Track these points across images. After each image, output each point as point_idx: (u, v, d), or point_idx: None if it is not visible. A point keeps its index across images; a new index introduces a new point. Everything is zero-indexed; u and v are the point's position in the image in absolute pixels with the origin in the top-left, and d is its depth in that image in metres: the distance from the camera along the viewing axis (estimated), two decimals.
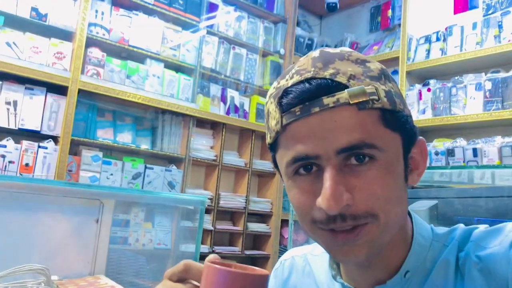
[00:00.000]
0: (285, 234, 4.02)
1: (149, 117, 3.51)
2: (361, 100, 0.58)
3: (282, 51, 4.17)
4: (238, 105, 3.88)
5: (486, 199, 1.48)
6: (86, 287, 1.74)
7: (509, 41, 3.09)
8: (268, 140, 0.67)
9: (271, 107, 0.64)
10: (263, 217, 4.00)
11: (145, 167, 3.34)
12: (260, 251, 3.91)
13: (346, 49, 0.65)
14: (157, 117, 3.52)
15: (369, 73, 0.61)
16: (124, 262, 2.43)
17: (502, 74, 3.11)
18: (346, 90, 0.58)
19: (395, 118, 0.61)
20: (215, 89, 3.78)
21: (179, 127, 3.56)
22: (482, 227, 0.67)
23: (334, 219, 0.58)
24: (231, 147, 3.92)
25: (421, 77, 3.64)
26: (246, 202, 3.80)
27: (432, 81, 3.50)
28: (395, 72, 3.84)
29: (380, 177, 0.59)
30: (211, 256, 0.59)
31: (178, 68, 3.60)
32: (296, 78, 0.61)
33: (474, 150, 3.10)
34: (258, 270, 0.59)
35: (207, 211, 3.59)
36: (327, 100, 0.58)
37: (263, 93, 4.08)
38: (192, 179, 3.60)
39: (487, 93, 3.14)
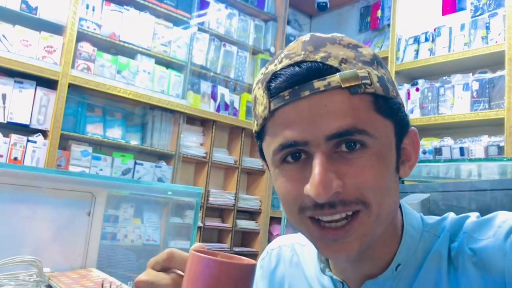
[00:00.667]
0: (273, 231, 4.04)
1: (139, 113, 3.50)
2: (353, 84, 0.56)
3: (272, 49, 4.19)
4: (228, 102, 3.89)
5: (477, 192, 1.51)
6: (78, 279, 1.74)
7: (496, 42, 3.14)
8: (255, 127, 0.63)
9: (259, 93, 0.61)
10: (252, 214, 4.01)
11: (135, 163, 3.33)
12: (249, 248, 3.92)
13: (338, 34, 0.62)
14: (147, 113, 3.51)
15: (361, 57, 0.59)
16: (115, 257, 2.42)
17: (489, 75, 3.16)
18: (338, 73, 0.56)
19: (388, 105, 0.59)
20: (205, 86, 3.78)
21: (169, 123, 3.55)
22: (473, 216, 0.65)
23: (321, 206, 0.56)
24: (221, 144, 3.93)
25: (409, 77, 3.68)
26: (235, 199, 3.81)
27: (420, 81, 3.55)
28: None
29: (372, 165, 0.56)
30: (197, 245, 0.57)
31: (168, 64, 3.59)
32: (286, 62, 0.58)
33: (461, 149, 3.15)
34: (245, 259, 0.56)
35: (196, 207, 3.58)
36: (318, 84, 0.55)
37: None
38: (182, 176, 3.60)
39: (474, 93, 3.20)
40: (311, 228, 0.59)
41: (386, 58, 3.76)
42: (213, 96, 3.81)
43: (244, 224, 3.89)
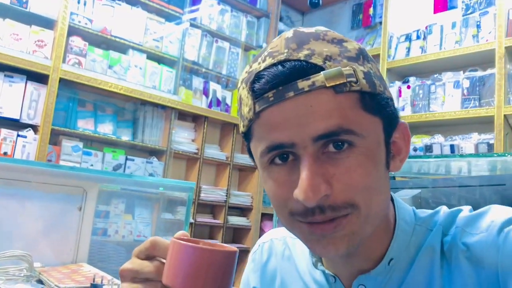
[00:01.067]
0: (265, 228, 4.05)
1: (130, 108, 3.48)
2: (338, 82, 0.54)
3: (264, 45, 4.19)
4: (220, 98, 3.88)
5: (467, 188, 1.53)
6: (69, 274, 1.73)
7: (486, 40, 3.17)
8: (242, 128, 0.62)
9: (243, 93, 0.59)
10: (243, 211, 4.01)
11: (126, 159, 3.31)
12: (240, 245, 3.92)
13: (322, 28, 0.60)
14: (139, 109, 3.49)
15: (346, 53, 0.57)
16: (106, 252, 2.41)
17: (479, 73, 3.19)
18: (322, 72, 0.54)
19: (375, 101, 0.57)
20: (197, 82, 3.77)
21: (161, 119, 3.54)
22: (466, 210, 0.65)
23: (312, 211, 0.55)
24: (213, 141, 3.92)
25: (401, 74, 3.70)
26: (226, 196, 3.81)
27: (411, 79, 3.57)
28: None
29: (360, 165, 0.55)
30: (179, 233, 0.56)
31: (160, 59, 3.58)
32: (269, 61, 0.56)
33: (452, 146, 3.18)
34: (226, 247, 0.55)
35: (188, 203, 3.58)
36: (302, 84, 0.54)
37: None
38: (173, 172, 3.59)
39: (465, 91, 3.22)
40: (302, 228, 0.58)
41: (377, 56, 3.77)
42: (205, 92, 3.81)
43: (236, 220, 3.89)
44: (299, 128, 0.54)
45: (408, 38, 3.65)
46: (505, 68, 3.02)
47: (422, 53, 3.53)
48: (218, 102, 3.87)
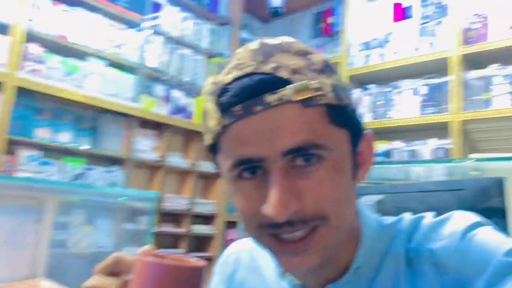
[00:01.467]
0: (229, 236, 4.02)
1: (90, 116, 3.40)
2: (306, 96, 0.55)
3: (227, 53, 4.19)
4: (183, 106, 3.85)
5: (428, 193, 1.55)
6: None
7: (442, 49, 3.27)
8: (208, 141, 0.61)
9: (209, 106, 0.59)
10: (207, 219, 3.98)
11: (86, 168, 3.23)
12: (205, 253, 3.89)
13: (287, 39, 0.61)
14: (99, 117, 3.42)
15: (312, 66, 0.57)
16: (65, 265, 2.34)
17: (437, 80, 3.29)
18: (289, 86, 0.54)
19: (342, 114, 0.58)
20: (159, 89, 3.73)
21: (122, 127, 3.48)
22: (429, 217, 0.66)
23: (280, 225, 0.55)
24: (176, 148, 3.88)
25: (360, 82, 3.77)
26: (190, 204, 3.77)
27: (371, 86, 3.64)
28: None
29: (329, 178, 0.56)
30: (145, 247, 0.55)
31: (121, 66, 3.52)
32: (235, 73, 0.56)
33: (411, 152, 3.26)
34: (192, 261, 0.55)
35: (151, 213, 3.52)
36: (270, 98, 0.54)
37: None
38: (135, 181, 3.53)
39: (423, 98, 3.31)
40: (271, 244, 0.58)
41: (338, 64, 3.83)
42: (167, 99, 3.76)
43: (200, 228, 3.85)
44: (268, 143, 0.54)
45: (367, 46, 3.73)
46: (461, 75, 3.13)
47: (381, 61, 3.60)
48: (181, 110, 3.83)
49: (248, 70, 0.56)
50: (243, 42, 4.42)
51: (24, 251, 1.87)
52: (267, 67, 0.55)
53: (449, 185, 1.57)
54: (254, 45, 0.59)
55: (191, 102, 3.93)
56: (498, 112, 2.92)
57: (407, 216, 0.68)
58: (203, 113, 0.62)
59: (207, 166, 3.96)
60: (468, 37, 3.18)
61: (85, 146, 3.30)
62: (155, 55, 3.70)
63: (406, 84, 3.44)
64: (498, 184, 1.32)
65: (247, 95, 0.55)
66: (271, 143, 0.54)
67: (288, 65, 0.56)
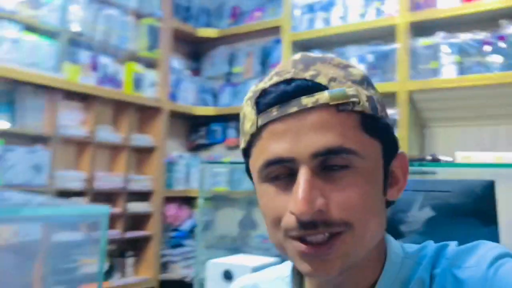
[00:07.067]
0: (168, 211, 3.81)
1: (6, 90, 2.95)
2: (341, 101, 0.56)
3: (159, 13, 3.81)
4: (111, 74, 3.47)
5: (412, 192, 1.41)
6: None
7: (389, 14, 3.15)
8: (242, 144, 0.63)
9: (247, 110, 0.61)
10: (144, 196, 3.71)
11: (5, 149, 2.83)
12: (142, 231, 3.65)
13: (329, 55, 0.64)
14: (16, 90, 2.98)
15: (350, 77, 0.60)
16: None
17: (383, 47, 3.19)
18: (326, 91, 0.57)
19: (376, 125, 0.59)
20: (84, 56, 3.31)
21: (44, 100, 3.07)
22: (453, 245, 0.65)
23: (305, 226, 0.55)
24: (106, 122, 3.52)
25: (304, 47, 3.58)
26: (124, 181, 3.48)
27: (315, 52, 3.47)
28: (279, 41, 3.75)
29: (357, 185, 0.56)
30: None
31: (39, 31, 3.05)
32: (275, 79, 0.59)
33: None
34: None
35: (81, 194, 3.22)
36: (306, 100, 0.56)
37: (139, 60, 3.70)
38: (62, 160, 3.17)
39: (370, 65, 3.21)
40: (294, 245, 0.58)
41: (279, 27, 3.62)
42: (94, 67, 3.37)
43: (136, 207, 3.59)
44: (299, 144, 0.56)
45: (311, 9, 3.53)
46: (408, 43, 3.04)
47: (326, 25, 3.43)
48: (110, 79, 3.46)
49: (288, 76, 0.58)
50: (177, 1, 4.04)
51: None
52: (307, 74, 0.58)
53: (435, 185, 1.44)
54: (296, 56, 0.62)
55: (120, 69, 3.55)
56: (446, 82, 2.88)
57: (431, 244, 0.67)
58: (241, 119, 0.64)
59: (141, 140, 3.65)
60: (416, 3, 3.08)
61: (2, 124, 2.87)
62: (78, 17, 3.25)
63: (352, 51, 3.31)
64: (488, 187, 1.21)
65: (285, 97, 0.57)
66: (302, 143, 0.56)
67: (327, 73, 0.58)
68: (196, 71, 4.40)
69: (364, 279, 0.63)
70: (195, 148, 4.27)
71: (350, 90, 0.57)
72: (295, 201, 0.54)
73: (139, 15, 3.73)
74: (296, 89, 0.57)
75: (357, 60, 3.27)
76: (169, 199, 3.83)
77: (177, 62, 4.15)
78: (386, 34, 3.18)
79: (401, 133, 2.96)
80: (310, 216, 0.54)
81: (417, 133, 3.18)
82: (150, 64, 3.80)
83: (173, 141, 4.10)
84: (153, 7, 3.80)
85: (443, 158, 1.96)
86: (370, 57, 3.21)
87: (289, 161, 0.56)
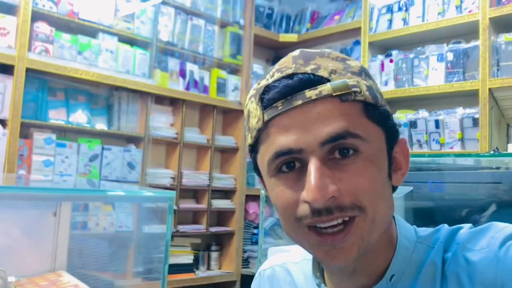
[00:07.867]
0: (249, 209, 3.99)
1: (104, 95, 3.32)
2: (343, 92, 0.58)
3: (241, 21, 4.03)
4: (197, 79, 3.74)
5: (462, 185, 1.45)
6: (48, 287, 1.64)
7: (470, 11, 3.07)
8: (249, 140, 0.65)
9: (252, 107, 0.63)
10: (227, 194, 3.94)
11: (102, 148, 3.18)
12: (225, 227, 3.87)
13: (326, 49, 0.66)
14: (113, 95, 3.34)
15: (350, 69, 0.62)
16: (85, 251, 2.32)
17: (463, 45, 3.11)
18: (328, 83, 0.59)
19: (378, 112, 0.61)
20: (173, 63, 3.61)
21: (137, 104, 3.40)
22: (466, 227, 0.66)
23: (319, 213, 0.57)
24: (192, 124, 3.80)
25: (383, 48, 3.60)
26: (209, 179, 3.72)
27: (394, 52, 3.47)
28: (357, 42, 3.78)
29: (365, 170, 0.58)
30: None
31: (133, 41, 3.40)
32: (277, 75, 0.61)
33: (436, 121, 3.11)
34: None
35: (171, 189, 3.49)
36: (310, 93, 0.58)
37: (223, 66, 3.95)
38: (153, 159, 3.47)
39: (449, 64, 3.14)
40: (309, 235, 0.59)
41: (359, 29, 3.65)
42: (182, 74, 3.65)
43: (220, 203, 3.82)
44: (307, 134, 0.57)
45: (389, 9, 3.53)
46: (489, 40, 2.94)
47: (404, 25, 3.42)
48: (196, 83, 3.72)
49: (289, 71, 0.60)
50: (258, 9, 4.24)
51: (44, 245, 1.84)
52: (307, 68, 0.60)
53: (486, 177, 1.45)
54: (295, 52, 0.64)
55: (206, 75, 3.81)
56: None
57: (445, 227, 0.68)
58: (245, 116, 0.66)
59: (224, 141, 3.88)
60: None
61: (100, 126, 3.24)
62: (167, 28, 3.56)
63: (430, 50, 3.26)
64: None
65: (288, 91, 0.59)
66: (310, 134, 0.57)
67: (327, 66, 0.60)
68: None
69: (377, 265, 0.65)
70: None
71: (351, 81, 0.59)
72: (307, 189, 0.56)
73: (223, 24, 3.97)
74: (299, 83, 0.59)
75: (436, 59, 3.22)
76: (250, 197, 4.00)
77: (259, 67, 4.33)
78: (467, 32, 3.10)
79: (482, 132, 2.87)
80: (323, 203, 0.55)
81: (501, 133, 3.06)
82: (233, 69, 4.02)
83: None
84: (236, 15, 4.03)
85: None
86: (450, 56, 3.15)
87: (298, 152, 0.58)
